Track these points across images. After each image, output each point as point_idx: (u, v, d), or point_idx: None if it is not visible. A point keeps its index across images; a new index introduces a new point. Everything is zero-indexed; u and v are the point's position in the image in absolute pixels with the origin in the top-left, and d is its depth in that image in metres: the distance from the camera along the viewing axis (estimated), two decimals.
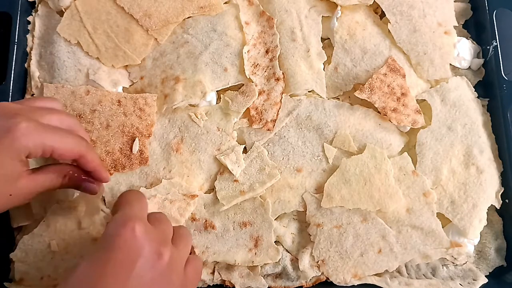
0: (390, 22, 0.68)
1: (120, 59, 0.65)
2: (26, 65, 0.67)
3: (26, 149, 0.46)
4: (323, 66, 0.67)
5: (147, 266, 0.42)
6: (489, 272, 0.62)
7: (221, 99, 0.65)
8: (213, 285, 0.60)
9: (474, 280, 0.61)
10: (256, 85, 0.65)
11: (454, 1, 0.72)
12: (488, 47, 0.69)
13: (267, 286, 0.59)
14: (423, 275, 0.61)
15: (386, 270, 0.61)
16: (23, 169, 0.48)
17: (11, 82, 0.64)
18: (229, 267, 0.60)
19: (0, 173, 0.45)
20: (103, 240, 0.44)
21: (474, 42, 0.71)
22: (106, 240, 0.43)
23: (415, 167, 0.63)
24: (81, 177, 0.53)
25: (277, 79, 0.65)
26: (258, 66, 0.66)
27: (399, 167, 0.63)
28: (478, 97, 0.68)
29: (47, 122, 0.49)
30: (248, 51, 0.66)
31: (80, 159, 0.51)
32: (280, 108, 0.64)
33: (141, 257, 0.42)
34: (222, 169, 0.62)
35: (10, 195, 0.47)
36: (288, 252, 0.62)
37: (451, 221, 0.62)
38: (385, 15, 0.69)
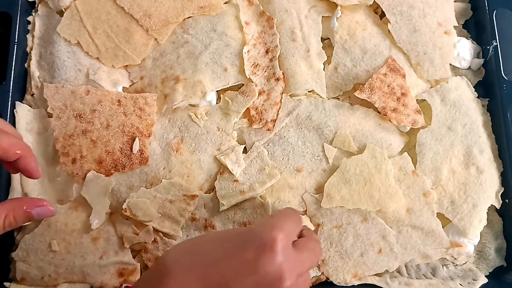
0: (390, 22, 0.68)
1: (120, 59, 0.66)
2: (26, 65, 0.67)
3: None
4: (323, 66, 0.67)
5: (265, 282, 0.39)
6: (489, 272, 0.62)
7: (221, 99, 0.65)
8: None
9: (474, 280, 0.61)
10: (256, 85, 0.65)
11: (454, 1, 0.72)
12: (488, 47, 0.69)
13: None
14: (423, 275, 0.61)
15: (386, 270, 0.61)
16: None
17: (11, 82, 0.64)
18: None
19: None
20: (243, 232, 0.43)
21: (474, 42, 0.71)
22: (246, 232, 0.42)
23: (415, 167, 0.63)
24: (29, 208, 0.48)
25: (277, 79, 0.65)
26: (258, 66, 0.66)
27: (399, 167, 0.63)
28: (478, 97, 0.68)
29: None
30: (248, 51, 0.66)
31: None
32: (280, 108, 0.64)
33: (267, 271, 0.39)
34: (222, 169, 0.62)
35: None
36: None
37: (451, 221, 0.62)
38: (385, 15, 0.69)
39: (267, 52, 0.67)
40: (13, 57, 0.65)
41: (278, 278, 0.39)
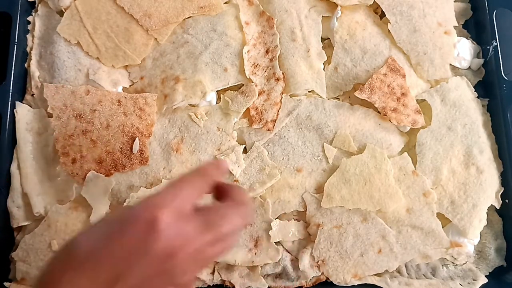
0: (390, 22, 0.68)
1: (120, 59, 0.66)
2: (26, 65, 0.67)
3: None
4: (323, 66, 0.67)
5: (156, 263, 0.37)
6: (489, 272, 0.62)
7: (221, 99, 0.65)
8: (213, 285, 0.60)
9: (474, 280, 0.61)
10: (256, 85, 0.65)
11: (454, 1, 0.72)
12: (488, 47, 0.69)
13: (267, 286, 0.59)
14: (423, 275, 0.61)
15: (386, 270, 0.61)
16: None
17: (11, 82, 0.64)
18: (229, 267, 0.60)
19: None
20: (121, 215, 0.38)
21: (474, 42, 0.71)
22: (124, 216, 0.38)
23: (415, 167, 0.63)
24: None
25: (277, 79, 0.65)
26: (258, 66, 0.66)
27: (399, 167, 0.63)
28: (478, 97, 0.68)
29: None
30: (248, 51, 0.66)
31: None
32: (280, 108, 0.64)
33: (156, 250, 0.36)
34: None
35: None
36: (288, 252, 0.62)
37: (451, 221, 0.62)
38: (385, 15, 0.69)
39: (267, 52, 0.67)
40: (13, 57, 0.65)
41: (168, 256, 0.37)
